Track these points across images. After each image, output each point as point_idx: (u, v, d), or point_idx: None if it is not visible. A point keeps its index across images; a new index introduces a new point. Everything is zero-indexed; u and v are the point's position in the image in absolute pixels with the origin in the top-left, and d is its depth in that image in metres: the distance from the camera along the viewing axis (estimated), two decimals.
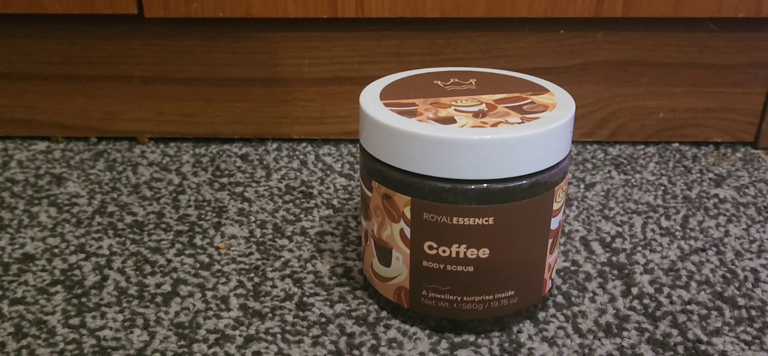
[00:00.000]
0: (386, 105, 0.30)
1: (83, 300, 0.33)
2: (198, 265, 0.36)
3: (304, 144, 0.50)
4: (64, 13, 0.45)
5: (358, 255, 0.37)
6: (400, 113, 0.29)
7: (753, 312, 0.33)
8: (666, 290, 0.34)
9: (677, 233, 0.39)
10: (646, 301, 0.33)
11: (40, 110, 0.50)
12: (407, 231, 0.29)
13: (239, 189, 0.44)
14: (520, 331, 0.31)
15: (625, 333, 0.31)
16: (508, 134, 0.27)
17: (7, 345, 0.30)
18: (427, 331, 0.31)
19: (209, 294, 0.34)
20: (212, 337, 0.31)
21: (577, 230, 0.39)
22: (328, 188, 0.44)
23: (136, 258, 0.37)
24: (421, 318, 0.31)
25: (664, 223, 0.40)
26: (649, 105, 0.49)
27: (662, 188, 0.44)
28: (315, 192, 0.43)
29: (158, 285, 0.34)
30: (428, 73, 0.34)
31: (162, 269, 0.36)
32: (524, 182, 0.28)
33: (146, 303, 0.33)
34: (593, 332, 0.31)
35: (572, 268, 0.36)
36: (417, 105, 0.30)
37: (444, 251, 0.29)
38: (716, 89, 0.48)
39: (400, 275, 0.31)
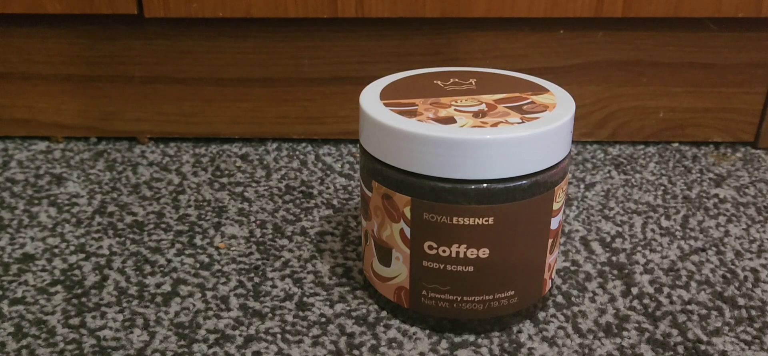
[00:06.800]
0: (386, 105, 0.30)
1: (83, 300, 0.33)
2: (198, 265, 0.36)
3: (304, 144, 0.50)
4: (64, 13, 0.45)
5: (358, 255, 0.37)
6: (400, 113, 0.29)
7: (753, 312, 0.33)
8: (666, 290, 0.34)
9: (677, 233, 0.39)
10: (646, 301, 0.33)
11: (40, 110, 0.50)
12: (407, 231, 0.29)
13: (239, 189, 0.44)
14: (520, 331, 0.31)
15: (625, 333, 0.31)
16: (508, 134, 0.27)
17: (7, 345, 0.30)
18: (427, 331, 0.31)
19: (209, 294, 0.34)
20: (212, 337, 0.31)
21: (577, 230, 0.39)
22: (328, 188, 0.44)
23: (136, 258, 0.37)
24: (421, 318, 0.31)
25: (664, 223, 0.40)
26: (649, 105, 0.49)
27: (662, 188, 0.44)
28: (315, 192, 0.44)
29: (158, 285, 0.34)
30: (428, 73, 0.34)
31: (162, 269, 0.36)
32: (524, 182, 0.28)
33: (146, 303, 0.33)
34: (593, 332, 0.31)
35: (572, 268, 0.36)
36: (417, 105, 0.30)
37: (444, 251, 0.29)
38: (716, 89, 0.48)
39: (400, 275, 0.31)
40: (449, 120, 0.28)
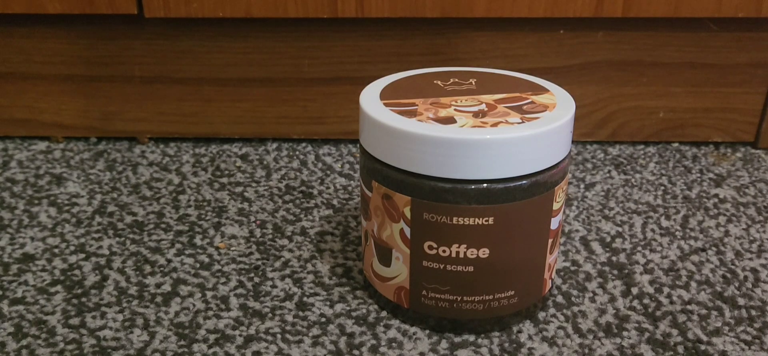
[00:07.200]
0: (386, 105, 0.30)
1: (83, 300, 0.33)
2: (198, 265, 0.36)
3: (304, 144, 0.50)
4: (64, 13, 0.45)
5: (358, 255, 0.37)
6: (400, 113, 0.29)
7: (753, 312, 0.33)
8: (666, 290, 0.34)
9: (677, 233, 0.39)
10: (646, 301, 0.33)
11: (40, 110, 0.50)
12: (407, 231, 0.29)
13: (239, 189, 0.44)
14: (520, 331, 0.31)
15: (625, 333, 0.31)
16: (508, 134, 0.27)
17: (7, 345, 0.30)
18: (427, 331, 0.31)
19: (209, 294, 0.34)
20: (212, 337, 0.31)
21: (577, 230, 0.39)
22: (328, 188, 0.44)
23: (136, 258, 0.37)
24: (421, 318, 0.31)
25: (664, 223, 0.40)
26: (649, 105, 0.49)
27: (662, 188, 0.44)
28: (315, 192, 0.44)
29: (158, 285, 0.34)
30: (428, 73, 0.34)
31: (162, 269, 0.36)
32: (524, 182, 0.28)
33: (146, 303, 0.33)
34: (593, 332, 0.31)
35: (572, 268, 0.36)
36: (417, 105, 0.30)
37: (444, 251, 0.29)
38: (716, 88, 0.48)
39: (400, 275, 0.31)
40: (449, 120, 0.28)
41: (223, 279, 0.35)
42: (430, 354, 0.30)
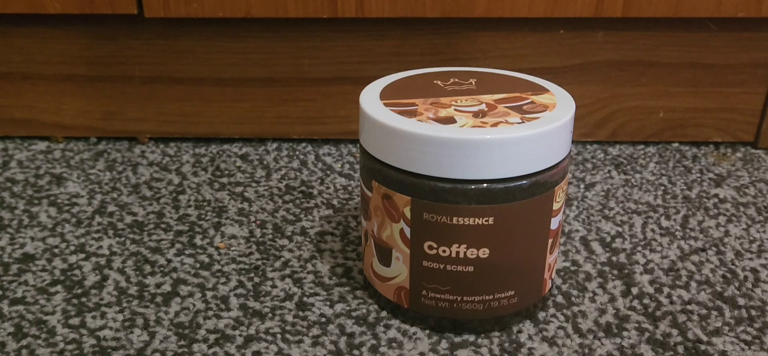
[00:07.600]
0: (386, 105, 0.30)
1: (83, 300, 0.33)
2: (198, 265, 0.36)
3: (304, 144, 0.50)
4: (64, 13, 0.45)
5: (358, 255, 0.37)
6: (400, 113, 0.29)
7: (753, 312, 0.33)
8: (666, 290, 0.34)
9: (677, 233, 0.39)
10: (646, 301, 0.33)
11: (40, 110, 0.50)
12: (407, 231, 0.29)
13: (239, 189, 0.44)
14: (520, 331, 0.31)
15: (625, 333, 0.31)
16: (508, 134, 0.27)
17: (7, 345, 0.30)
18: (427, 331, 0.31)
19: (209, 294, 0.34)
20: (212, 337, 0.31)
21: (577, 230, 0.39)
22: (328, 188, 0.44)
23: (136, 258, 0.37)
24: (421, 318, 0.31)
25: (664, 223, 0.40)
26: (649, 105, 0.49)
27: (662, 188, 0.44)
28: (315, 192, 0.44)
29: (158, 285, 0.34)
30: (428, 73, 0.34)
31: (162, 269, 0.36)
32: (524, 182, 0.28)
33: (146, 303, 0.33)
34: (593, 332, 0.31)
35: (572, 268, 0.36)
36: (417, 105, 0.30)
37: (444, 251, 0.29)
38: (716, 88, 0.48)
39: (400, 275, 0.31)
40: (449, 120, 0.28)
41: (223, 279, 0.35)
42: (430, 354, 0.30)
